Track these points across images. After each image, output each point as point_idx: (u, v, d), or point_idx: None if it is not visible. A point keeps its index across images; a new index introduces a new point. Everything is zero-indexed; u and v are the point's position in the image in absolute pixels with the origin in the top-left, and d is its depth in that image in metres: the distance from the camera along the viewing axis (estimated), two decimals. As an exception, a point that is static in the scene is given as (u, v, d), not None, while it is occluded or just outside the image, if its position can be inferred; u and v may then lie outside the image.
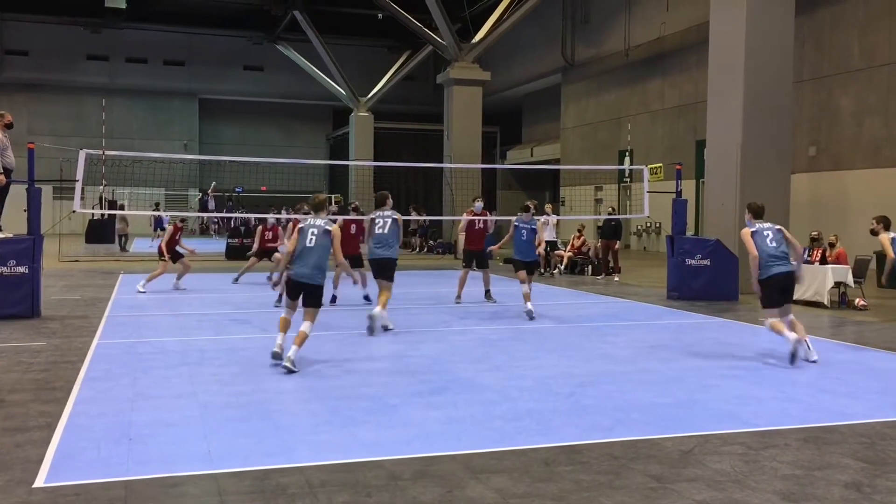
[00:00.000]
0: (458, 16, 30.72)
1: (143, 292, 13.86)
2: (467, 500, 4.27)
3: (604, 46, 31.80)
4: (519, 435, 5.47)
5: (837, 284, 13.01)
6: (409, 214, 25.94)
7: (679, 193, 15.25)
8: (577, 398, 6.55)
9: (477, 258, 13.43)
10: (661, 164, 20.35)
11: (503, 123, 42.79)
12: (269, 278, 14.31)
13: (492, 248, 13.95)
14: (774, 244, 8.49)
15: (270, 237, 15.58)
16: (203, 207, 36.57)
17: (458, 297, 13.02)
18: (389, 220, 10.22)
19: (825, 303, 12.91)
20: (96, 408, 6.07)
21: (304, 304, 7.87)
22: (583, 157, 32.47)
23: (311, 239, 7.92)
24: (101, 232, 29.84)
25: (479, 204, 13.94)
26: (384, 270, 10.22)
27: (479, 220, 13.68)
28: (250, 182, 32.45)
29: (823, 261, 13.25)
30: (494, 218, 14.51)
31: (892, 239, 9.74)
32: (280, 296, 12.37)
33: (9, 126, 11.25)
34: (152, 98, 42.98)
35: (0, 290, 10.60)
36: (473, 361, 8.10)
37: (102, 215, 29.82)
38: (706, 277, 13.64)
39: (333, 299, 12.34)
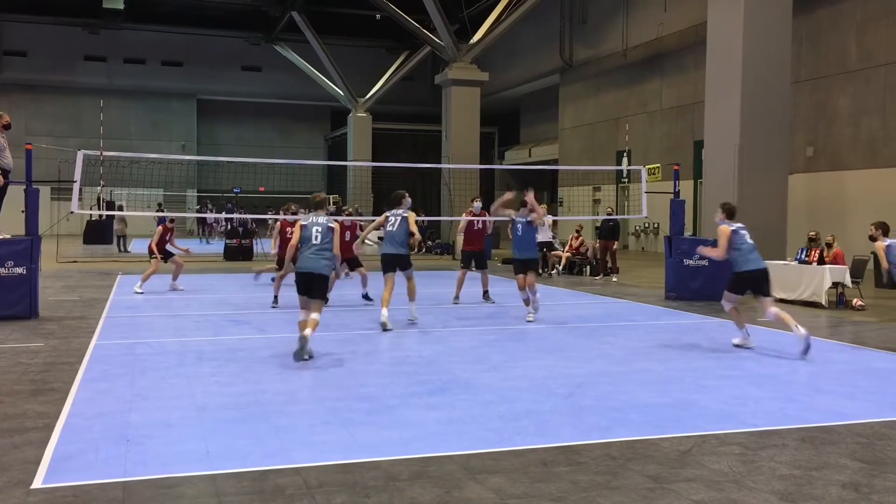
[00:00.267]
0: (457, 16, 30.73)
1: (141, 293, 13.87)
2: (465, 500, 4.27)
3: (602, 47, 31.83)
4: (517, 435, 5.47)
5: (835, 285, 13.03)
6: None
7: (677, 194, 15.27)
8: (576, 399, 6.56)
9: (475, 259, 13.44)
10: (659, 165, 20.33)
11: (501, 124, 42.83)
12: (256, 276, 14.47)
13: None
14: (752, 242, 9.16)
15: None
16: (201, 221, 36.65)
17: (457, 297, 13.04)
18: (400, 219, 10.59)
19: (823, 303, 12.92)
20: (94, 409, 6.07)
21: (311, 296, 8.24)
22: (581, 158, 32.50)
23: (315, 235, 8.32)
24: (99, 233, 29.85)
25: (478, 204, 13.94)
26: (393, 265, 10.62)
27: (477, 221, 13.69)
28: (248, 183, 32.38)
29: (821, 261, 13.27)
30: (493, 219, 14.49)
31: (888, 246, 9.73)
32: (276, 297, 12.37)
33: (7, 127, 11.24)
34: (150, 99, 42.99)
35: (-2, 290, 10.60)
36: (472, 362, 8.10)
37: (101, 216, 29.82)
38: (704, 278, 13.65)
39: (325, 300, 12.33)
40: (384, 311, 10.15)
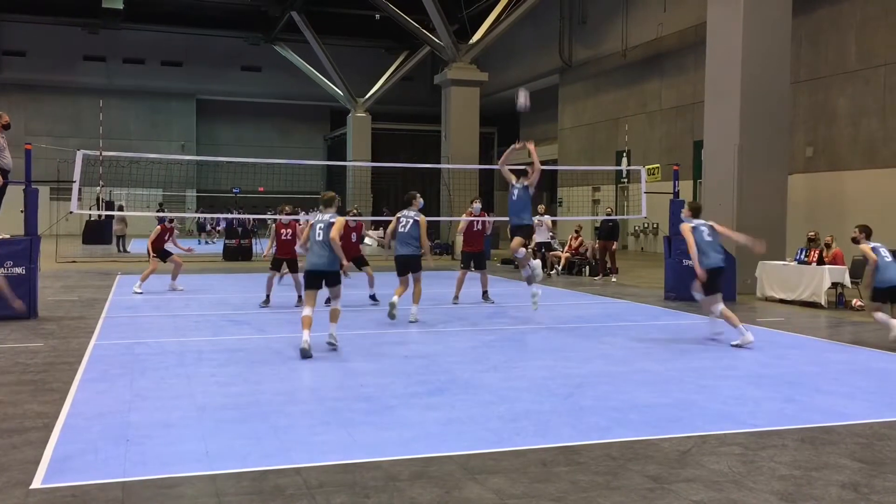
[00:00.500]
0: (456, 16, 30.72)
1: (140, 293, 13.88)
2: (465, 500, 4.27)
3: (601, 47, 31.83)
4: (517, 436, 5.47)
5: (834, 285, 13.03)
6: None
7: (676, 194, 15.27)
8: (575, 399, 6.56)
9: (475, 259, 13.46)
10: (658, 165, 20.36)
11: (501, 124, 42.81)
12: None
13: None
14: (710, 238, 9.45)
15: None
16: (201, 227, 36.73)
17: (456, 297, 13.06)
18: (412, 221, 10.85)
19: (822, 303, 12.92)
20: (94, 409, 6.06)
21: (328, 285, 8.67)
22: (580, 158, 32.50)
23: (318, 233, 8.64)
24: (98, 233, 29.84)
25: (478, 205, 13.95)
26: (405, 267, 10.87)
27: (477, 222, 13.70)
28: (248, 183, 32.43)
29: (820, 261, 13.27)
30: (493, 219, 14.53)
31: (874, 249, 9.79)
32: (267, 297, 12.34)
33: (6, 127, 11.23)
34: (150, 99, 42.99)
35: (-3, 290, 10.59)
36: (471, 362, 8.10)
37: (100, 216, 29.81)
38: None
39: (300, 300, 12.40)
40: (395, 298, 10.56)
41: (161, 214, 16.70)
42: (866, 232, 10.20)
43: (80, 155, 13.45)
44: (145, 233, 35.56)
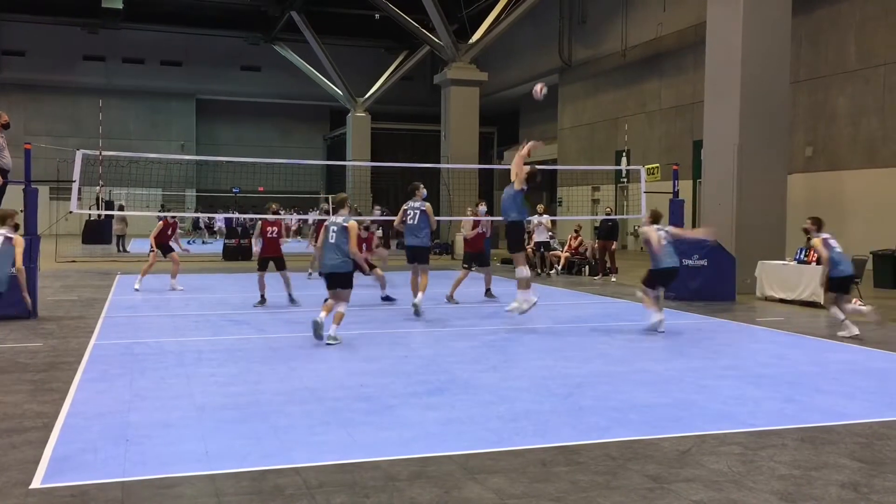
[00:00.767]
0: (455, 16, 30.72)
1: (138, 289, 13.96)
2: (465, 500, 4.27)
3: (601, 47, 31.83)
4: (516, 435, 5.47)
5: (834, 284, 13.00)
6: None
7: (676, 194, 15.28)
8: (575, 399, 6.56)
9: (478, 259, 13.63)
10: (658, 165, 20.37)
11: (500, 124, 42.82)
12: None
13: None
14: (664, 243, 10.28)
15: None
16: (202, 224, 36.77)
17: (451, 296, 12.92)
18: (419, 212, 11.14)
19: (822, 303, 12.90)
20: (93, 409, 6.06)
21: (338, 288, 9.08)
22: (580, 158, 32.50)
23: (332, 235, 9.01)
24: (98, 233, 29.83)
25: (483, 208, 14.11)
26: (414, 257, 11.33)
27: (482, 224, 13.90)
28: (247, 183, 32.43)
29: (820, 261, 13.24)
30: (490, 218, 14.59)
31: (825, 241, 10.40)
32: (262, 296, 12.34)
33: (6, 126, 11.23)
34: (149, 98, 42.99)
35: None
36: (471, 362, 8.10)
37: (99, 216, 29.82)
38: (703, 278, 13.65)
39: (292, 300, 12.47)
40: (418, 296, 11.05)
41: (164, 214, 16.73)
42: (818, 224, 10.74)
43: (79, 155, 13.46)
44: (145, 232, 35.52)
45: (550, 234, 19.81)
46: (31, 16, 36.33)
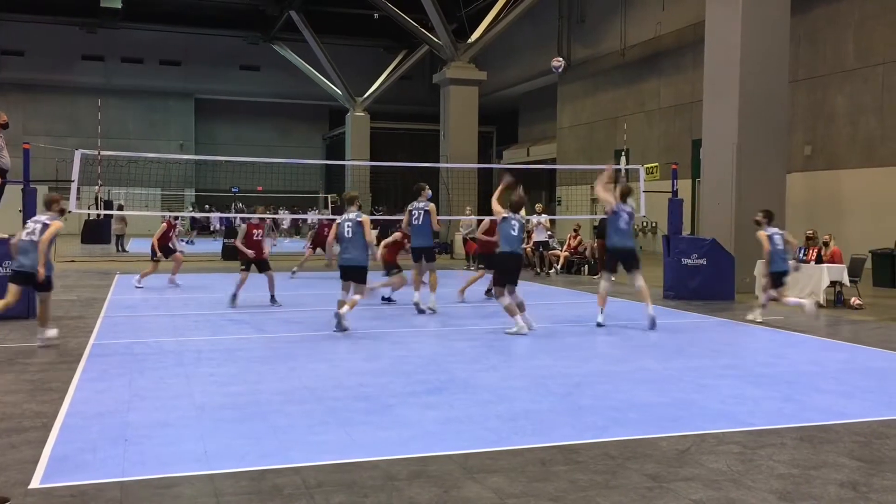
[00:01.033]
0: (455, 15, 30.71)
1: (141, 287, 14.07)
2: (464, 500, 4.27)
3: (600, 46, 31.82)
4: (515, 435, 5.47)
5: (833, 283, 13.04)
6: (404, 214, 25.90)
7: (675, 193, 15.27)
8: (574, 398, 6.56)
9: (487, 260, 13.89)
10: (657, 164, 20.34)
11: (499, 123, 42.82)
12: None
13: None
14: (625, 227, 10.60)
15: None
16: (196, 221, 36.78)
17: (462, 292, 13.28)
18: (423, 212, 11.35)
19: (821, 302, 12.92)
20: (92, 408, 6.06)
21: (354, 281, 9.73)
22: (579, 157, 32.49)
23: (347, 231, 9.60)
24: (97, 232, 29.80)
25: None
26: (424, 257, 11.53)
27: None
28: (246, 182, 32.42)
29: (819, 260, 13.27)
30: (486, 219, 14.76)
31: (770, 237, 11.03)
32: (234, 296, 12.26)
33: (5, 126, 11.23)
34: (148, 98, 42.95)
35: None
36: (470, 361, 8.10)
37: (98, 216, 29.80)
38: (702, 277, 13.66)
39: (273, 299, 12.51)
40: (416, 295, 11.36)
41: (168, 214, 16.82)
42: (769, 217, 11.33)
43: (78, 154, 13.46)
44: (144, 232, 35.50)
45: (549, 233, 19.82)
46: (29, 15, 36.31)
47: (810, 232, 14.23)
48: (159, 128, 43.32)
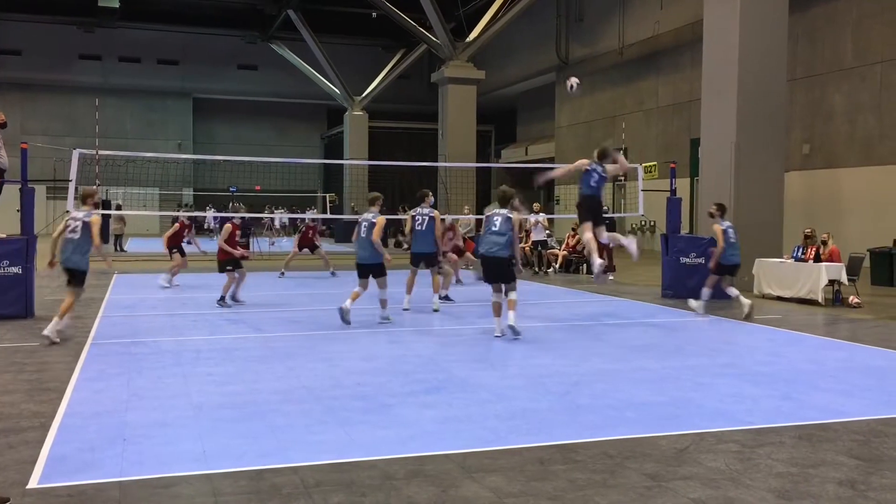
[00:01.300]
0: (453, 14, 30.70)
1: (168, 286, 14.54)
2: (462, 499, 4.27)
3: (598, 45, 31.82)
4: (514, 434, 5.47)
5: (831, 282, 13.05)
6: (402, 213, 25.89)
7: (673, 192, 15.27)
8: (572, 397, 6.56)
9: None
10: (655, 163, 20.39)
11: (498, 122, 42.82)
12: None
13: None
14: (594, 185, 10.79)
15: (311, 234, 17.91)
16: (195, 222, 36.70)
17: (458, 280, 13.85)
18: (427, 218, 11.53)
19: (819, 300, 12.94)
20: (90, 408, 6.05)
21: (373, 276, 10.40)
22: (577, 156, 32.11)
23: (363, 230, 10.34)
24: (94, 232, 29.71)
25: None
26: (425, 262, 11.71)
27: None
28: (245, 181, 32.42)
29: (817, 259, 13.28)
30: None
31: (724, 230, 11.41)
32: (222, 297, 12.25)
33: (2, 126, 11.20)
34: (146, 97, 42.91)
35: (-6, 290, 10.59)
36: (468, 361, 8.10)
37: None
38: (701, 276, 13.61)
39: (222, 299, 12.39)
40: (406, 299, 11.57)
41: (183, 213, 16.92)
42: (722, 210, 11.85)
43: (76, 154, 13.43)
44: (143, 231, 35.44)
45: (548, 232, 19.82)
46: (27, 15, 36.26)
47: (808, 230, 14.23)
48: (157, 127, 43.28)
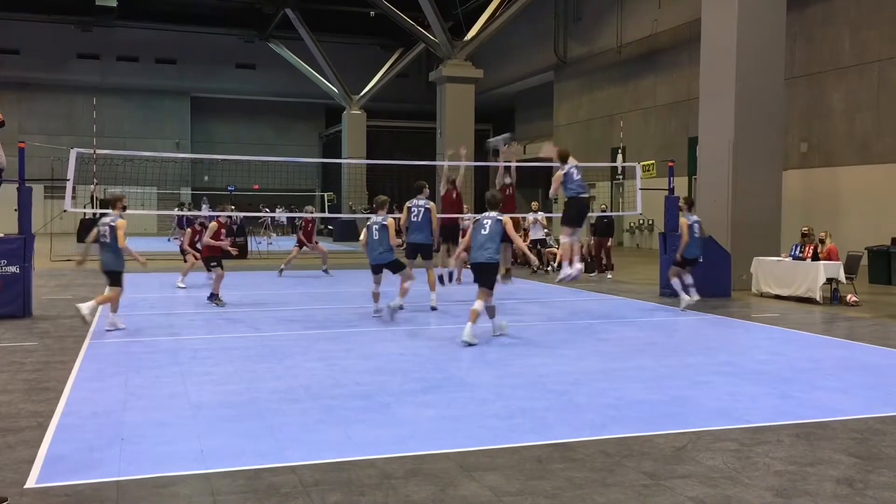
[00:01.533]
0: (451, 13, 30.69)
1: (183, 287, 14.56)
2: (460, 498, 4.27)
3: (596, 44, 31.82)
4: (512, 433, 5.47)
5: (829, 281, 13.06)
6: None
7: (672, 190, 15.27)
8: (570, 396, 6.56)
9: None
10: (653, 162, 20.35)
11: (496, 121, 42.77)
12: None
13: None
14: (578, 180, 10.75)
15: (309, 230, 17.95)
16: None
17: (458, 279, 13.51)
18: (423, 209, 11.46)
19: (817, 299, 12.95)
20: (88, 408, 6.05)
21: (393, 272, 10.81)
22: (575, 155, 32.20)
23: (375, 233, 10.70)
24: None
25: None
26: (416, 253, 11.70)
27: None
28: (243, 181, 32.39)
29: (815, 257, 13.29)
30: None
31: (690, 226, 11.93)
32: (213, 295, 12.24)
33: (0, 125, 11.19)
34: (144, 97, 42.86)
35: (-9, 289, 10.59)
36: (466, 359, 8.10)
37: (94, 214, 29.72)
38: (699, 274, 13.61)
39: (212, 296, 12.44)
40: (398, 298, 11.16)
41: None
42: (689, 205, 12.46)
43: (73, 153, 13.42)
44: (141, 231, 35.35)
45: (546, 231, 19.82)
46: (25, 14, 36.21)
47: (805, 229, 14.24)
48: (155, 126, 43.22)
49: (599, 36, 31.57)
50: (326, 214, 35.61)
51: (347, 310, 11.91)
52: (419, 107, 41.94)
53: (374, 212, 11.15)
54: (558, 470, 4.70)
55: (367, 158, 36.55)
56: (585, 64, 32.60)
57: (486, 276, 9.11)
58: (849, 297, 13.01)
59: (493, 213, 9.31)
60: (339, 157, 39.31)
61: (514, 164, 14.25)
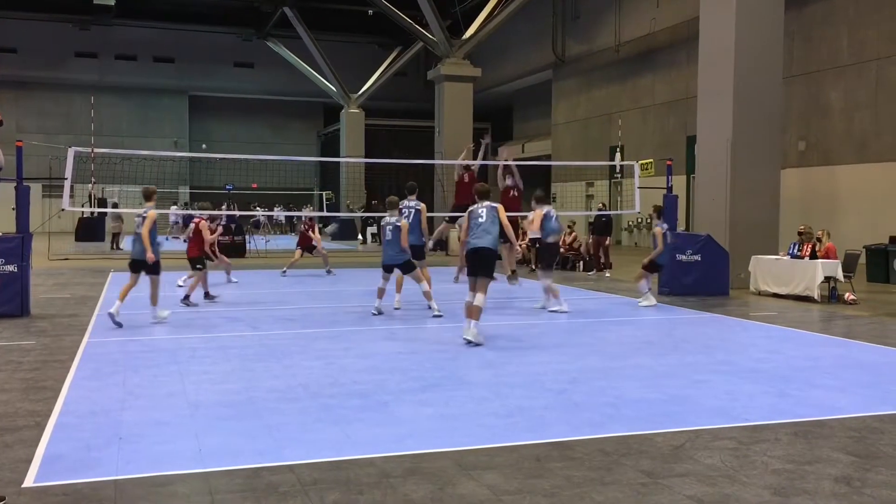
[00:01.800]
0: (449, 12, 30.68)
1: (183, 286, 14.37)
2: (459, 497, 4.27)
3: (594, 42, 31.82)
4: (510, 431, 5.47)
5: (827, 279, 13.07)
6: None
7: (670, 189, 15.28)
8: (569, 394, 6.56)
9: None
10: (651, 160, 20.36)
11: (494, 120, 42.80)
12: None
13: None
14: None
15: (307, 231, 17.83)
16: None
17: (457, 278, 13.46)
18: (413, 211, 11.60)
19: (815, 297, 12.96)
20: (86, 407, 6.04)
21: (404, 273, 11.16)
22: (574, 153, 32.50)
23: (388, 233, 10.91)
24: (91, 230, 29.72)
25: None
26: (413, 254, 11.55)
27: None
28: (241, 179, 32.37)
29: (813, 256, 13.30)
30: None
31: (664, 234, 12.35)
32: (187, 296, 12.24)
33: (-1, 124, 11.18)
34: (142, 95, 42.83)
35: (-11, 288, 10.58)
36: (465, 358, 8.10)
37: (92, 213, 29.72)
38: (697, 273, 13.68)
39: (207, 295, 12.54)
40: (397, 297, 11.60)
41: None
42: (659, 213, 13.11)
43: (71, 152, 13.40)
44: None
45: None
46: (23, 12, 36.15)
47: (803, 227, 14.25)
48: (153, 125, 43.20)
49: (598, 34, 31.56)
50: (325, 213, 35.59)
51: (346, 309, 11.90)
52: (417, 105, 41.93)
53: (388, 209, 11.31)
54: (557, 468, 4.70)
55: (366, 157, 36.55)
56: (584, 62, 32.59)
57: (485, 263, 8.89)
58: (847, 295, 13.02)
59: (487, 202, 9.21)
60: (338, 156, 39.30)
61: (513, 163, 14.24)
